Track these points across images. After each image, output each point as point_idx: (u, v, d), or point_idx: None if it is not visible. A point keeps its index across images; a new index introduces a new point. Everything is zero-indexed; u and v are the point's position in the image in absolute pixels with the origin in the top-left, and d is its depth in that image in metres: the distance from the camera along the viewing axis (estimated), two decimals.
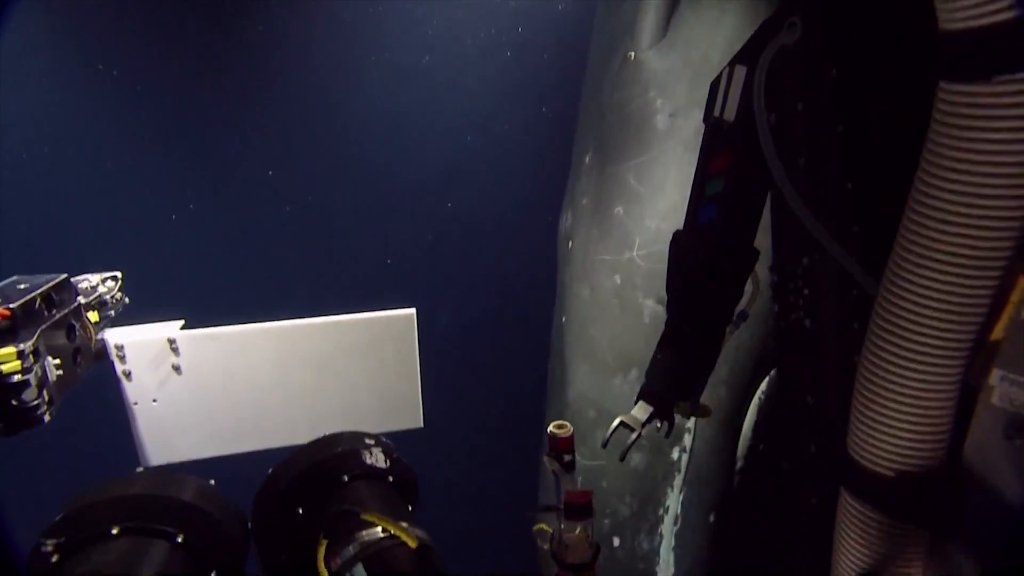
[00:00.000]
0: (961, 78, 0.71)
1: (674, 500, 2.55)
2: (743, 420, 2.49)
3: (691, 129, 2.49)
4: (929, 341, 0.80)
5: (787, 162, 1.28)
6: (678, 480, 2.53)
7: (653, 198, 2.56)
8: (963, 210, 0.74)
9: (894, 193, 0.88)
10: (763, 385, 2.48)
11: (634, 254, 2.58)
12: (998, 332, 0.78)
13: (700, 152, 1.58)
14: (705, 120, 1.55)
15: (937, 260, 0.77)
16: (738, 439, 2.51)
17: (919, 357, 0.81)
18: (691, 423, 2.48)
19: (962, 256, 0.75)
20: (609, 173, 2.74)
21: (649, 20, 2.69)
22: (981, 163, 0.72)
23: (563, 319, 2.89)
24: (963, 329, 0.78)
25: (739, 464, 2.52)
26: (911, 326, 0.81)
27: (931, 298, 0.78)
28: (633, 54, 2.69)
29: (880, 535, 0.92)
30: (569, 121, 3.83)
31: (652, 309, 2.51)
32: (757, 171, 1.37)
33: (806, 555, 1.33)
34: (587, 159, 2.97)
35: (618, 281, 2.61)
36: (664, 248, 2.44)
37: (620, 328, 2.62)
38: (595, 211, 2.77)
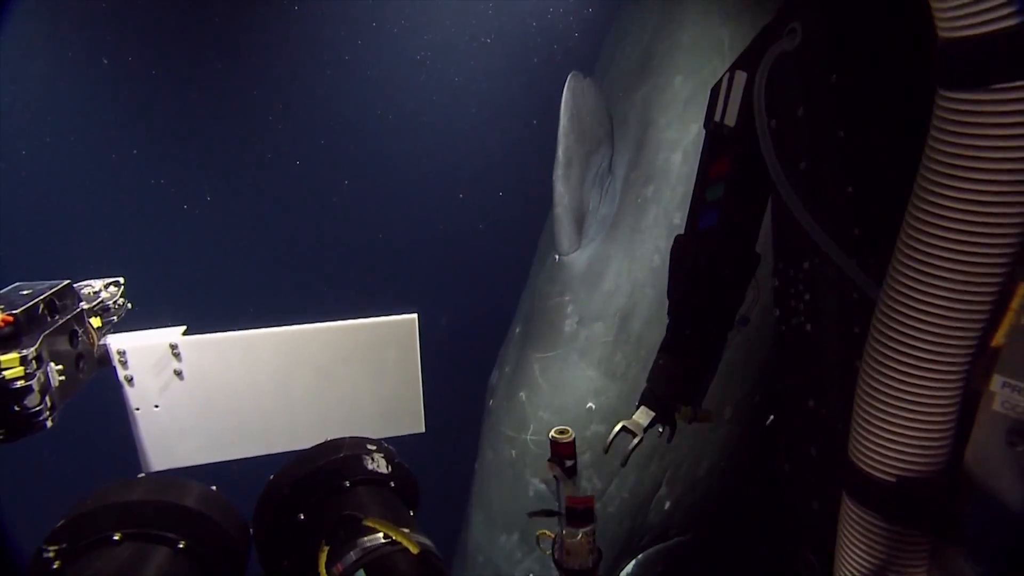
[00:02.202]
0: (960, 86, 0.72)
1: None
2: None
3: (591, 339, 2.81)
4: (929, 347, 0.80)
5: (787, 167, 1.28)
6: None
7: (548, 393, 2.87)
8: (962, 216, 0.74)
9: (895, 196, 0.89)
10: (629, 567, 2.82)
11: (528, 437, 2.87)
12: (999, 338, 0.78)
13: (700, 158, 1.58)
14: (705, 126, 1.56)
15: (937, 266, 0.77)
16: None
17: (920, 363, 0.81)
18: None
19: (962, 262, 0.75)
20: (524, 356, 3.05)
21: (564, 229, 2.95)
22: (980, 170, 0.72)
23: (476, 465, 3.19)
24: (964, 335, 0.78)
25: None
26: (911, 332, 0.81)
27: (931, 304, 0.78)
28: (558, 256, 2.99)
29: (882, 540, 0.92)
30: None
31: (536, 487, 2.85)
32: (757, 176, 1.38)
33: (807, 558, 1.33)
34: (517, 330, 3.28)
35: (513, 455, 2.91)
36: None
37: (509, 496, 2.93)
38: (508, 386, 3.09)
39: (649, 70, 2.96)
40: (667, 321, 1.60)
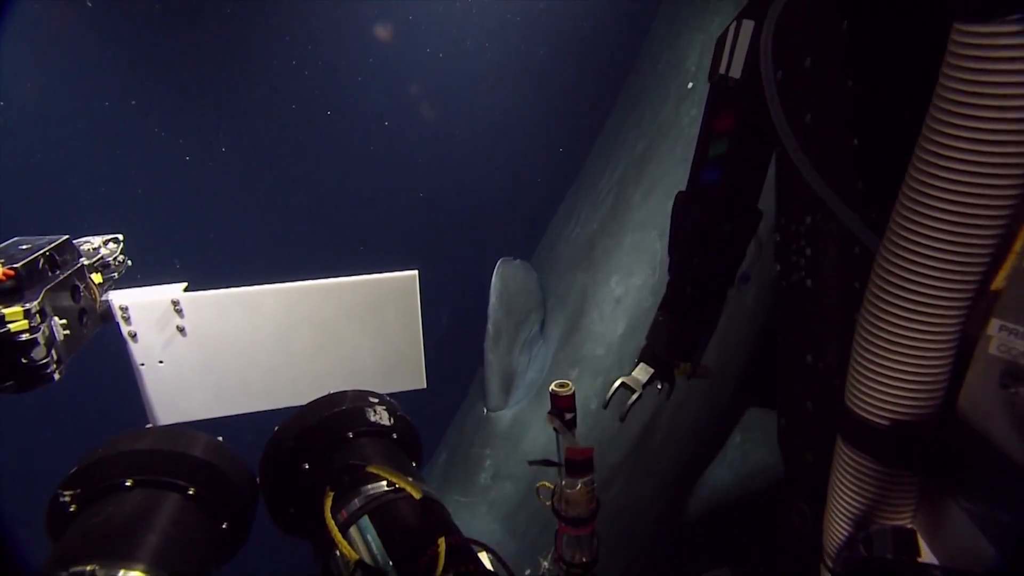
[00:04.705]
0: (977, 18, 0.69)
1: None
2: None
3: (501, 496, 3.03)
4: (930, 291, 0.80)
5: (793, 119, 1.25)
6: None
7: None
8: (971, 157, 0.73)
9: (900, 149, 0.87)
10: None
11: None
12: (999, 281, 0.78)
13: (704, 112, 1.55)
14: (710, 78, 1.51)
15: (941, 208, 0.76)
16: None
17: (919, 307, 0.81)
18: None
19: (967, 203, 0.74)
20: (440, 492, 3.19)
21: (492, 388, 3.15)
22: (992, 107, 0.70)
23: None
24: (964, 278, 0.78)
25: None
26: (912, 276, 0.81)
27: (933, 247, 0.78)
28: (485, 409, 3.09)
29: (873, 482, 0.94)
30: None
31: None
32: (762, 131, 1.35)
33: (801, 508, 1.37)
34: (443, 458, 3.43)
35: None
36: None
37: None
38: None
39: (591, 261, 3.27)
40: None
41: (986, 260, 0.77)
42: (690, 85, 3.23)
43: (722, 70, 1.45)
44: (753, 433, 3.22)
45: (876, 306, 0.86)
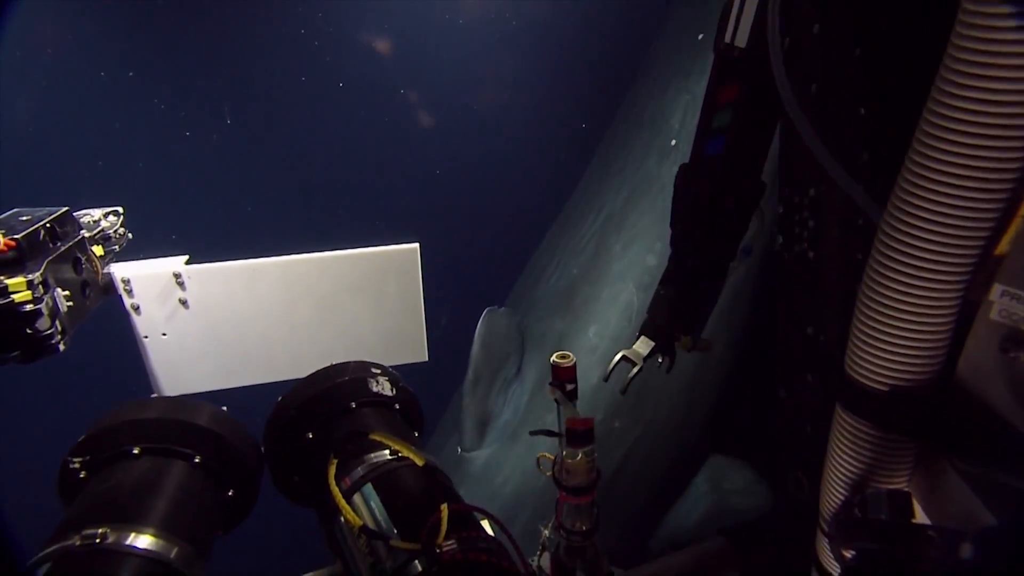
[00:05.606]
0: None
1: None
2: None
3: None
4: (933, 256, 0.80)
5: (799, 89, 1.24)
6: None
7: None
8: (979, 118, 0.72)
9: (906, 120, 0.86)
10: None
11: None
12: (1003, 246, 0.77)
13: (708, 82, 1.52)
14: (715, 48, 1.49)
15: (948, 173, 0.76)
16: None
17: (922, 272, 0.81)
18: None
19: (974, 168, 0.74)
20: None
21: (468, 430, 3.21)
22: (1002, 65, 0.69)
23: None
24: (968, 243, 0.78)
25: None
26: (916, 241, 0.80)
27: (939, 211, 0.77)
28: (460, 449, 3.32)
29: (870, 447, 0.95)
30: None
31: None
32: (767, 102, 1.33)
33: (798, 478, 1.39)
34: None
35: None
36: None
37: None
38: None
39: (569, 309, 3.30)
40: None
41: (991, 224, 0.76)
42: (673, 143, 3.25)
43: (727, 39, 1.42)
44: (719, 479, 3.26)
45: (878, 272, 0.86)
